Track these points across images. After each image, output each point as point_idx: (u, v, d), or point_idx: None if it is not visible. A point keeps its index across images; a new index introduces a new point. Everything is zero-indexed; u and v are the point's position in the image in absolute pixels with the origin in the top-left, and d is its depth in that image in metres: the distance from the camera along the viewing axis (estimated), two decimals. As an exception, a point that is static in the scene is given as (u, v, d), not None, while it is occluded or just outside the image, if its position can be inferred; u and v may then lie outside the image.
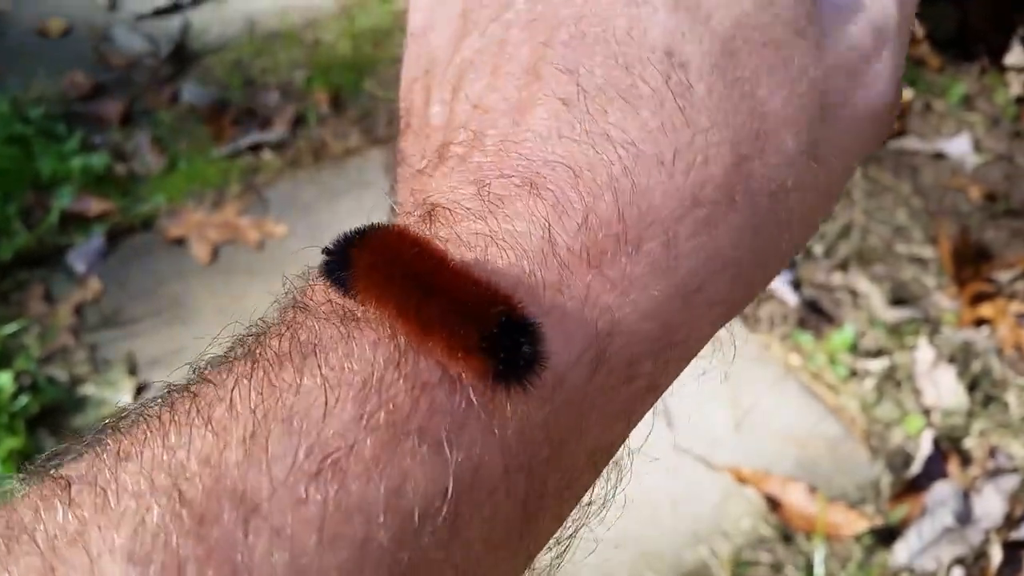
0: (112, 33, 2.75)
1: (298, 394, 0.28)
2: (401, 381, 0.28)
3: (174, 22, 2.77)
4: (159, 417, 0.28)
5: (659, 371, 0.34)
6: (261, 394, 0.28)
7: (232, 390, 0.28)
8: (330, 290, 0.32)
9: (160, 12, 2.81)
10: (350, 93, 2.53)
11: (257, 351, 0.30)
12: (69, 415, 1.77)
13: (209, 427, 0.27)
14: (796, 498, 1.63)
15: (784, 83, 0.36)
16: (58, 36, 2.75)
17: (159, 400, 0.30)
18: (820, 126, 0.37)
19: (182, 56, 2.68)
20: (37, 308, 1.96)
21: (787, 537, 1.60)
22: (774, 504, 1.63)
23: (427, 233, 0.32)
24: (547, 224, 0.32)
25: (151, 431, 0.28)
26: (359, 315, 0.30)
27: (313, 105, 2.48)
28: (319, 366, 0.28)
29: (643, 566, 1.56)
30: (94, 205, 2.17)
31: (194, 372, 0.30)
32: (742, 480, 1.65)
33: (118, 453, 0.27)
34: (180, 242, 2.11)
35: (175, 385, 0.30)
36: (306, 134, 2.41)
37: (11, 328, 1.88)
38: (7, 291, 2.01)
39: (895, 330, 1.89)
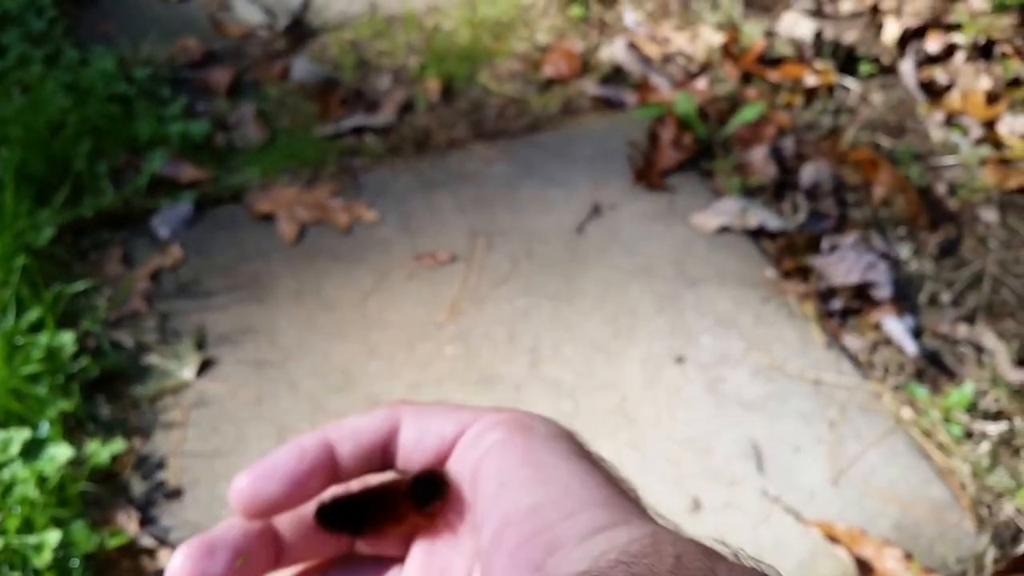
0: (231, 2, 2.71)
1: None
2: None
3: (295, -4, 2.72)
4: None
5: None
6: None
7: None
8: None
9: (282, -15, 2.76)
10: (463, 84, 2.44)
11: None
12: (129, 383, 1.70)
13: None
14: (891, 564, 1.49)
15: None
16: (177, 1, 2.72)
17: None
18: None
19: (299, 31, 2.63)
20: (113, 270, 1.90)
21: (877, 607, 1.45)
22: (866, 568, 1.48)
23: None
24: None
25: None
26: None
27: (424, 92, 2.40)
28: None
29: (713, 619, 1.42)
30: (187, 172, 2.12)
31: None
32: (833, 538, 1.51)
33: None
34: (268, 218, 2.04)
35: None
36: (412, 122, 2.32)
37: (81, 286, 1.82)
38: (85, 249, 1.95)
39: (1019, 393, 1.73)
